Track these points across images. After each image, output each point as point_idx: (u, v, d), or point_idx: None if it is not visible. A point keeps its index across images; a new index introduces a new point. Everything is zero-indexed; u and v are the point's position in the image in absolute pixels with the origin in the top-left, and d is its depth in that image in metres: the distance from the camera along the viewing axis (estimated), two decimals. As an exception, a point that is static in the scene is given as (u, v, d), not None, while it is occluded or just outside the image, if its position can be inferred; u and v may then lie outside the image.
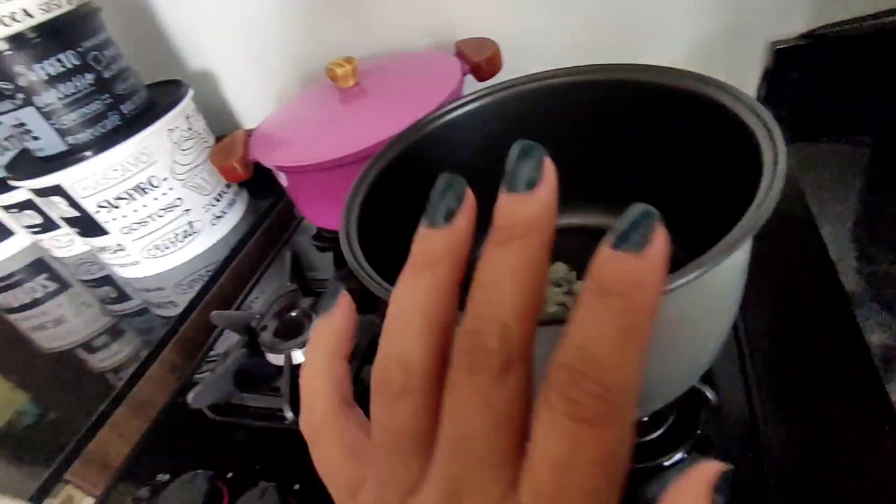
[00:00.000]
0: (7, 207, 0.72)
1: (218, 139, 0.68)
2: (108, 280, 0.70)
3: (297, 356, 0.44)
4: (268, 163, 0.49)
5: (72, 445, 0.46)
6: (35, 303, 0.73)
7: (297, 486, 0.37)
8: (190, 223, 0.64)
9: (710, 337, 0.27)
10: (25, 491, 0.43)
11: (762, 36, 0.53)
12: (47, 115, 0.53)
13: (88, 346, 0.61)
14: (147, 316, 0.62)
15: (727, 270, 0.24)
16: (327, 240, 0.62)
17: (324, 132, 0.49)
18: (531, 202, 0.14)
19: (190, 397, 0.42)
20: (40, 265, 0.80)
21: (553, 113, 0.37)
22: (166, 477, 0.41)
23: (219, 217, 0.67)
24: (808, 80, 0.52)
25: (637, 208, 0.13)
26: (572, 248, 0.42)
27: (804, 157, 0.47)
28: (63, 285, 0.74)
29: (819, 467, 0.35)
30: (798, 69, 0.52)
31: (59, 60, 0.51)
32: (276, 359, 0.45)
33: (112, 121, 0.56)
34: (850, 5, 0.49)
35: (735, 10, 0.53)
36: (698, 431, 0.31)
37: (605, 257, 0.13)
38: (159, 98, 0.63)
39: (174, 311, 0.59)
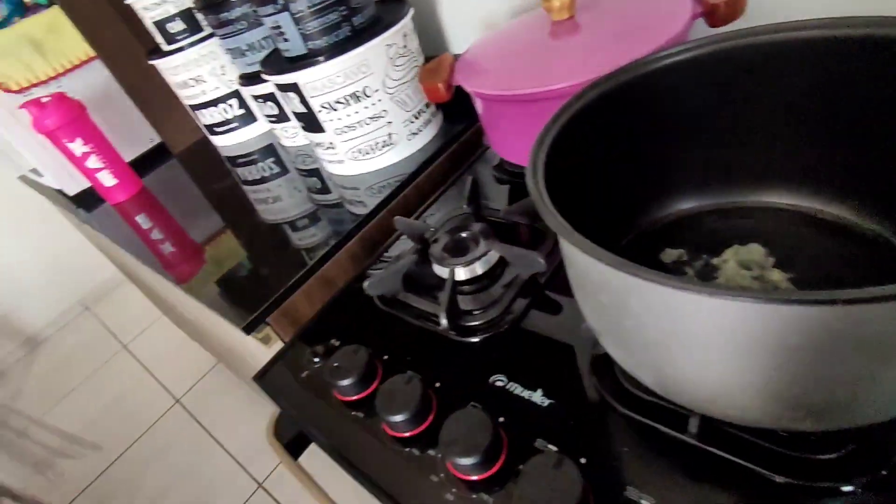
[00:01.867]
0: (256, 97, 0.88)
1: (427, 59, 0.72)
2: (316, 172, 0.82)
3: (460, 273, 0.48)
4: (468, 87, 0.51)
5: (273, 299, 0.57)
6: (262, 180, 0.88)
7: (437, 384, 0.42)
8: (389, 134, 0.71)
9: None
10: (240, 323, 0.56)
11: None
12: (297, 21, 0.61)
13: (293, 225, 0.73)
14: (340, 210, 0.71)
15: None
16: (507, 173, 0.63)
17: (527, 64, 0.49)
18: None
19: (365, 284, 0.49)
20: (270, 150, 0.96)
21: (791, 75, 0.32)
22: (337, 343, 0.49)
23: (414, 134, 0.73)
24: None
25: None
26: (772, 230, 0.37)
27: None
28: (283, 170, 0.89)
29: None
30: None
31: (313, -28, 0.58)
32: (441, 271, 0.49)
33: (344, 31, 0.63)
34: None
35: None
36: (883, 472, 0.27)
37: None
38: (384, 14, 0.69)
39: (362, 210, 0.67)
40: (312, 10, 0.61)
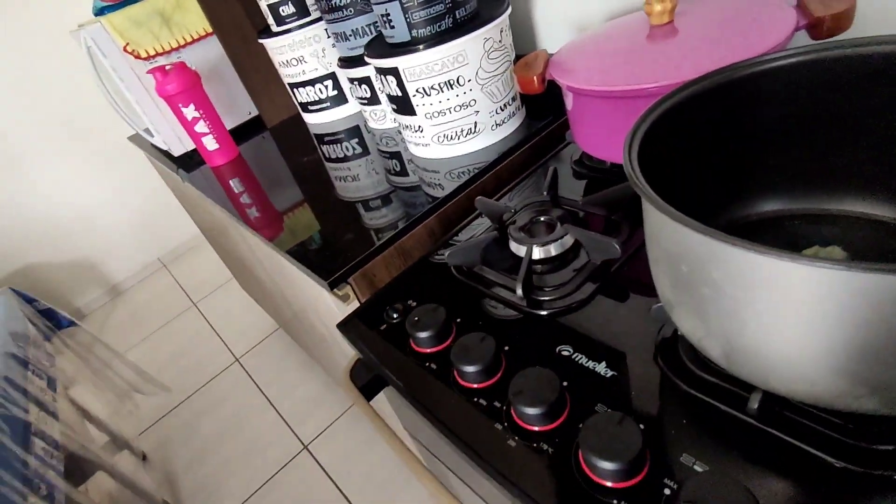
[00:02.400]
0: (351, 80, 0.94)
1: (517, 57, 0.76)
2: (396, 155, 0.88)
3: (537, 252, 0.51)
4: (562, 81, 0.54)
5: (357, 260, 0.62)
6: (345, 158, 0.95)
7: (507, 348, 0.45)
8: (475, 123, 0.75)
9: None
10: (326, 278, 0.61)
11: None
12: (405, 10, 0.67)
13: (367, 204, 0.79)
14: (415, 193, 0.76)
15: None
16: (587, 167, 0.66)
17: (620, 64, 0.51)
18: None
19: (446, 253, 0.53)
20: (356, 131, 1.03)
21: (870, 88, 0.33)
22: (414, 304, 0.54)
23: (499, 124, 0.77)
24: None
25: None
26: (856, 238, 0.38)
27: None
28: (365, 150, 0.95)
29: None
30: None
31: (428, -35, 0.63)
32: (518, 249, 0.52)
33: (446, 22, 0.68)
34: None
35: None
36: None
37: None
38: (484, 9, 0.73)
39: (440, 193, 0.72)
40: (420, 1, 0.66)
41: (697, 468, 0.32)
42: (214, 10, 1.08)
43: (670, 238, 0.29)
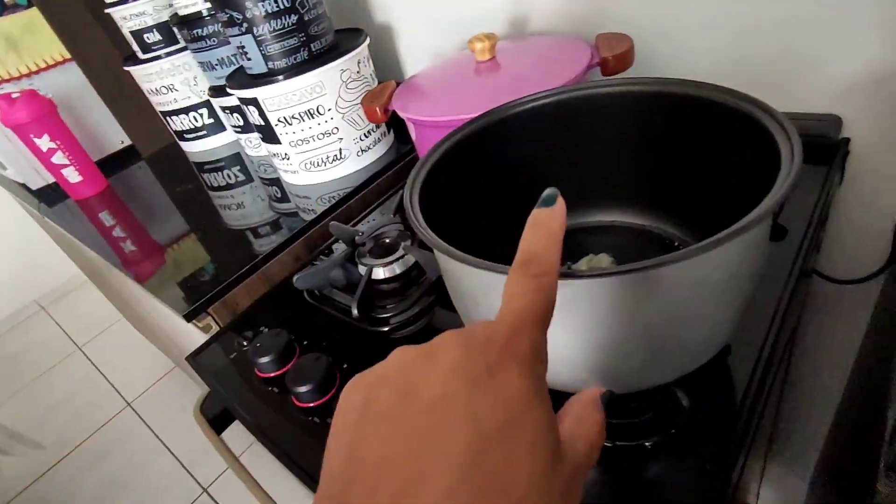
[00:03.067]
0: (223, 108, 0.94)
1: (381, 82, 0.80)
2: (276, 182, 0.88)
3: (378, 272, 0.54)
4: (401, 114, 0.58)
5: (214, 292, 0.62)
6: (228, 186, 0.94)
7: (345, 365, 0.47)
8: (340, 150, 0.78)
9: (701, 329, 0.29)
10: (182, 311, 0.60)
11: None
12: (259, 43, 0.68)
13: (255, 232, 0.79)
14: (298, 219, 0.77)
15: (733, 253, 0.26)
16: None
17: (452, 96, 0.56)
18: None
19: (295, 278, 0.54)
20: (237, 158, 1.02)
21: (630, 118, 0.40)
22: (265, 329, 0.54)
23: (364, 150, 0.80)
24: None
25: (550, 191, 0.22)
26: (617, 243, 0.45)
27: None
28: (248, 178, 0.94)
29: None
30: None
31: (274, 1, 0.65)
32: (362, 269, 0.55)
33: (302, 55, 0.70)
34: None
35: (918, 46, 0.47)
36: (672, 430, 0.34)
37: (537, 211, 0.22)
38: (343, 42, 0.76)
39: (313, 217, 0.73)
40: (273, 34, 0.68)
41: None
42: (72, 35, 1.03)
43: (445, 268, 0.32)
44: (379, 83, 0.80)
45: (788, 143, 0.27)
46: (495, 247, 0.44)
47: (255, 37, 0.68)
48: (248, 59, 0.71)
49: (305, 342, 0.51)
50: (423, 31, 0.84)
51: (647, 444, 0.34)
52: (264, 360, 0.47)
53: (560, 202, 0.22)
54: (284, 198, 0.83)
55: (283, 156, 0.79)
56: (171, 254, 0.79)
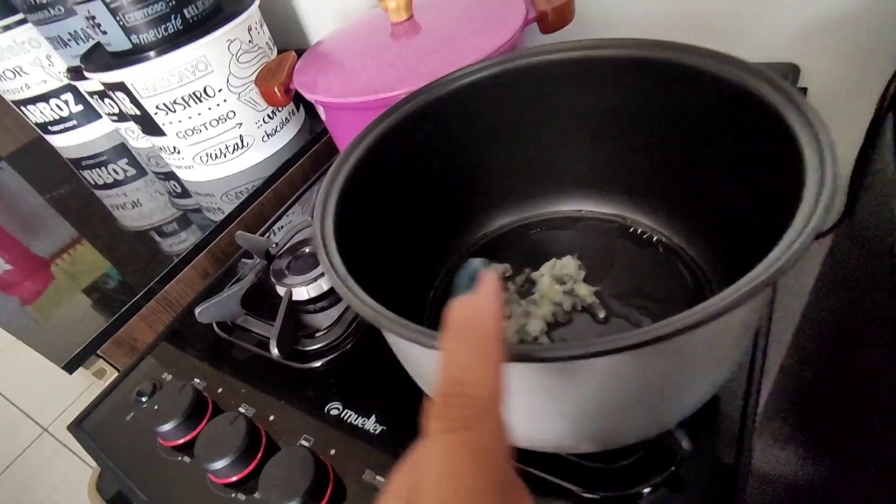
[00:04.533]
0: (90, 93, 0.77)
1: (280, 53, 0.67)
2: (173, 175, 0.75)
3: (301, 293, 0.45)
4: (306, 95, 0.48)
5: (101, 330, 0.51)
6: (117, 183, 0.79)
7: (272, 417, 0.39)
8: (241, 136, 0.66)
9: (696, 388, 0.23)
10: (60, 361, 0.49)
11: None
12: (114, 11, 0.54)
13: (161, 231, 0.66)
14: (203, 216, 0.65)
15: (727, 324, 0.21)
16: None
17: (366, 68, 0.46)
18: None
19: (197, 311, 0.44)
20: (122, 150, 0.86)
21: (593, 87, 0.32)
22: (169, 377, 0.45)
23: (270, 134, 0.68)
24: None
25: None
26: (593, 240, 0.39)
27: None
28: (140, 171, 0.80)
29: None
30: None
31: (125, -44, 0.51)
32: (280, 290, 0.46)
33: (174, 24, 0.57)
34: None
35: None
36: (672, 468, 0.29)
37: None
38: (226, 4, 0.63)
39: (220, 217, 0.62)
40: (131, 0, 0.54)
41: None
42: None
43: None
44: (278, 53, 0.68)
45: (816, 146, 0.20)
46: (439, 262, 0.37)
47: (106, 4, 0.53)
48: (104, 33, 0.57)
49: (220, 389, 0.42)
50: (324, -16, 0.71)
51: (644, 490, 0.28)
52: (167, 427, 0.37)
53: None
54: (185, 193, 0.70)
55: (172, 149, 0.66)
56: (54, 274, 0.65)
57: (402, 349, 0.25)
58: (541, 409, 0.22)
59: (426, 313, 0.37)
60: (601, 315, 0.34)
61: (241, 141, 0.66)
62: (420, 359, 0.24)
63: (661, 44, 0.29)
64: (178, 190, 0.72)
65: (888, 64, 0.45)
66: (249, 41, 0.62)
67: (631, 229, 0.37)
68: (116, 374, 0.54)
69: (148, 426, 0.39)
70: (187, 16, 0.58)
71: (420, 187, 0.36)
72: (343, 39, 0.53)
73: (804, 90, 0.49)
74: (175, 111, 0.61)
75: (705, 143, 0.29)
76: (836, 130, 0.50)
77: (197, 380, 0.43)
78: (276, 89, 0.49)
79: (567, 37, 0.54)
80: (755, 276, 0.17)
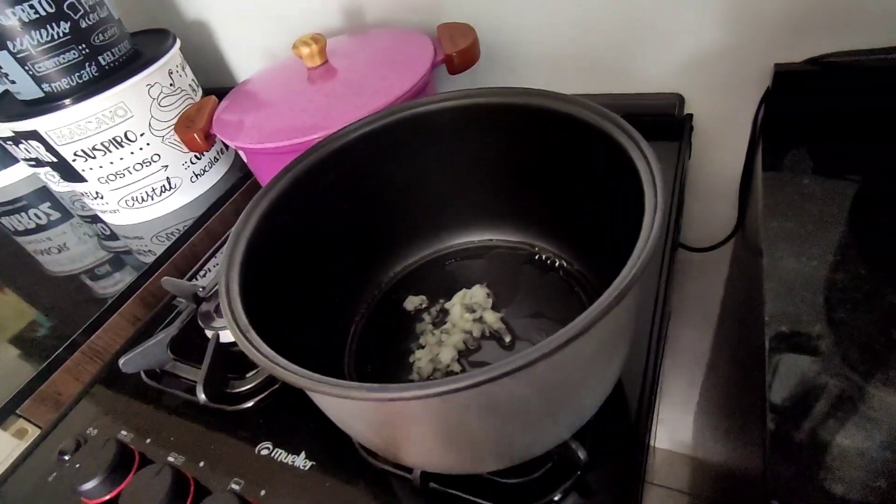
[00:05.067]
0: (3, 139, 0.75)
1: (206, 93, 0.68)
2: (99, 218, 0.73)
3: (226, 335, 0.45)
4: (226, 140, 0.49)
5: (22, 387, 0.49)
6: (40, 228, 0.76)
7: (202, 463, 0.39)
8: (168, 178, 0.65)
9: (584, 401, 0.26)
10: (-24, 423, 0.47)
11: (767, 56, 0.48)
12: (22, 61, 0.53)
13: (92, 274, 0.64)
14: (134, 258, 0.64)
15: (601, 333, 0.23)
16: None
17: (282, 114, 0.48)
18: None
19: (121, 362, 0.44)
20: (44, 193, 0.83)
21: (486, 132, 0.36)
22: (94, 432, 0.44)
23: (198, 175, 0.68)
24: (808, 108, 0.48)
25: None
26: (502, 267, 0.41)
27: (780, 198, 0.44)
28: (65, 215, 0.77)
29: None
30: (799, 95, 0.48)
31: (31, 7, 0.50)
32: (209, 333, 0.46)
33: (89, 71, 0.57)
34: (863, 34, 0.43)
35: (740, 28, 0.48)
36: (578, 473, 0.31)
37: None
38: (145, 48, 0.63)
39: (152, 260, 0.61)
40: (41, 49, 0.53)
41: (386, 556, 0.31)
42: None
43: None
44: (204, 92, 0.68)
45: (650, 174, 0.24)
46: (358, 297, 0.38)
47: (12, 53, 0.53)
48: (12, 83, 0.56)
49: (148, 440, 0.42)
50: (248, 27, 0.72)
51: (556, 497, 0.31)
52: (89, 485, 0.37)
53: None
54: (114, 235, 0.69)
55: (95, 195, 0.65)
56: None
57: (317, 399, 0.27)
58: (449, 437, 0.24)
59: (347, 350, 0.39)
60: (507, 339, 0.36)
61: (169, 183, 0.66)
62: (333, 405, 0.26)
63: (530, 91, 0.32)
64: (107, 232, 0.71)
65: (757, 93, 0.51)
66: (171, 84, 0.63)
67: (537, 256, 0.41)
68: (39, 432, 0.52)
69: (71, 486, 0.38)
70: (103, 63, 0.58)
71: (330, 230, 0.37)
72: (263, 82, 0.55)
73: (690, 116, 0.55)
74: (95, 157, 0.60)
75: (575, 176, 0.33)
76: (722, 151, 0.56)
77: (124, 432, 0.43)
78: (195, 136, 0.50)
79: (474, 76, 0.58)
80: (600, 304, 0.20)
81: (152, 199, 0.66)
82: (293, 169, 0.34)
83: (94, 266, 0.66)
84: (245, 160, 0.52)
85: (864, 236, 0.39)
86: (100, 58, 0.57)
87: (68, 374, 0.53)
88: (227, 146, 0.73)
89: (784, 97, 0.48)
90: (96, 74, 0.57)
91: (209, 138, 0.51)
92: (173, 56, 0.63)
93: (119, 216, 0.67)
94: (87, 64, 0.56)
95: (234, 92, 0.55)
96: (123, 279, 0.60)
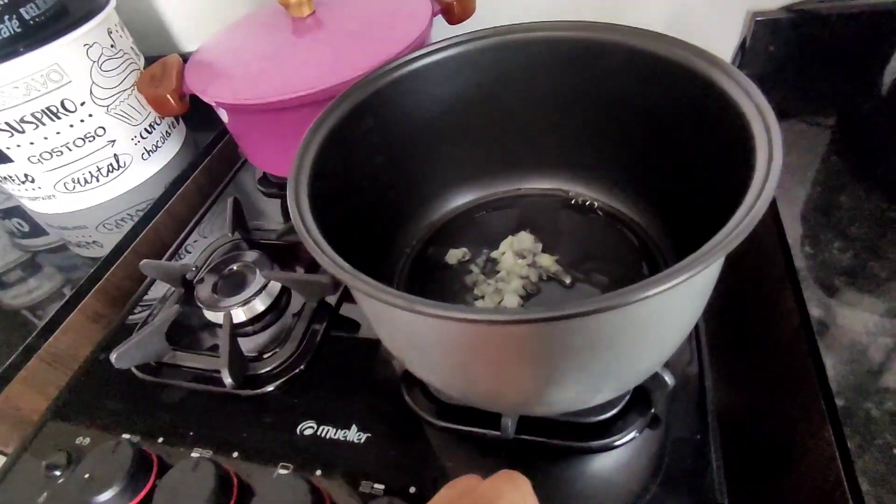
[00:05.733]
0: None
1: (148, 62, 0.60)
2: (17, 211, 0.63)
3: (238, 314, 0.41)
4: (206, 97, 0.43)
5: (-26, 404, 0.41)
6: None
7: (235, 454, 0.35)
8: (116, 156, 0.57)
9: (680, 331, 0.26)
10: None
11: (743, 5, 0.51)
12: (-74, 13, 0.44)
13: (1, 282, 0.55)
14: (67, 253, 0.55)
15: (698, 282, 0.23)
16: (274, 185, 0.57)
17: (271, 66, 0.43)
18: None
19: (113, 357, 0.38)
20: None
21: (527, 70, 0.34)
22: (87, 441, 0.38)
23: (151, 151, 0.60)
24: (785, 55, 0.51)
25: None
26: (538, 214, 0.41)
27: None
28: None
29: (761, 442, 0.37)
30: (776, 42, 0.51)
31: (-63, -56, 0.41)
32: (214, 316, 0.41)
33: (9, 26, 0.47)
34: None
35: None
36: (652, 410, 0.32)
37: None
38: (72, 5, 0.54)
39: (99, 252, 0.53)
40: (-51, -3, 0.44)
41: None
42: None
43: (366, 301, 0.23)
44: (147, 60, 0.60)
45: (760, 119, 0.23)
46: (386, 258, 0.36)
47: (-86, 4, 0.43)
48: (-87, 42, 0.46)
49: (161, 439, 0.37)
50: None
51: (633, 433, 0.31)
52: (107, 496, 0.31)
53: None
54: (38, 230, 0.60)
55: (24, 178, 0.55)
56: None
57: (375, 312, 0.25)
58: (562, 370, 0.23)
59: None
60: (567, 281, 0.36)
61: (117, 161, 0.57)
62: (435, 344, 0.23)
63: (596, 25, 0.31)
64: (25, 228, 0.61)
65: (735, 39, 0.53)
66: (111, 46, 0.54)
67: (573, 200, 0.40)
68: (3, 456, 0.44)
69: (80, 500, 0.32)
70: (26, 17, 0.48)
71: (362, 184, 0.34)
72: (236, 40, 0.49)
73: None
74: (24, 131, 0.51)
75: (655, 120, 0.32)
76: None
77: (126, 435, 0.37)
78: (168, 96, 0.44)
79: (475, 26, 0.56)
80: (728, 233, 0.19)
81: (97, 180, 0.57)
82: (334, 112, 0.30)
83: (3, 272, 0.56)
84: (227, 121, 0.47)
85: (853, 161, 0.43)
86: (22, 10, 0.48)
87: (26, 386, 0.45)
88: (177, 119, 0.65)
89: (761, 43, 0.51)
90: (19, 30, 0.48)
91: (183, 99, 0.45)
92: (111, 13, 0.55)
93: (54, 203, 0.58)
94: (5, 16, 0.47)
95: (200, 51, 0.49)
96: (40, 287, 0.52)
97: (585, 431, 0.32)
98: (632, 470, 0.31)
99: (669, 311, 0.23)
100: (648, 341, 0.24)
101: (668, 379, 0.29)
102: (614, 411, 0.32)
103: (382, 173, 0.36)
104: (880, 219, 0.39)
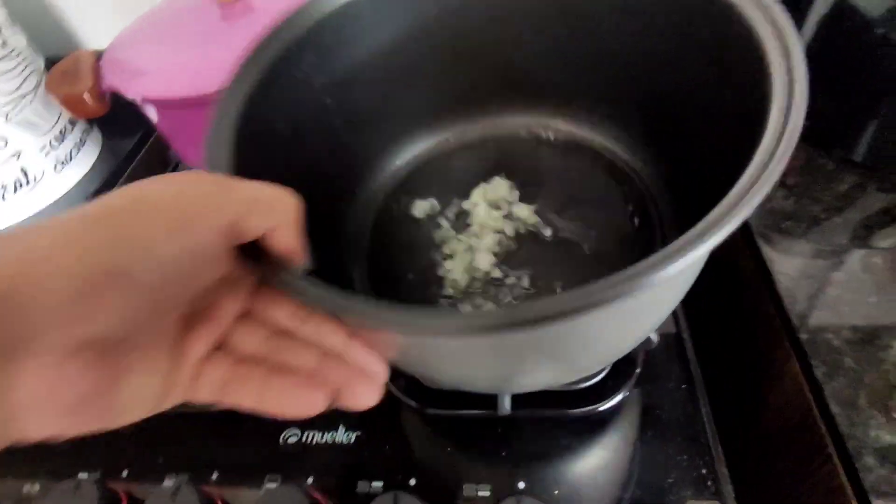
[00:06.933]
0: None
1: (51, 63, 0.53)
2: None
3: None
4: (130, 94, 0.39)
5: None
6: None
7: (214, 476, 0.32)
8: (23, 170, 0.51)
9: (672, 303, 0.26)
10: None
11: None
12: None
13: None
14: None
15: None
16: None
17: (205, 56, 0.40)
18: None
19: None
20: None
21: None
22: (36, 488, 0.33)
23: (64, 162, 0.54)
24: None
25: None
26: (514, 156, 0.37)
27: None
28: None
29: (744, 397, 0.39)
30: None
31: None
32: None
33: None
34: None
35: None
36: (637, 370, 0.32)
37: None
38: (-49, 0, 0.47)
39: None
40: None
41: (482, 493, 0.29)
42: None
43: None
44: (47, 62, 0.54)
45: (776, 38, 0.19)
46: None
47: None
48: None
49: (125, 472, 0.33)
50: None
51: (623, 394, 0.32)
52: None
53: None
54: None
55: (-88, 203, 0.48)
56: None
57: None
58: (566, 349, 0.23)
59: (357, 276, 0.34)
60: (547, 234, 0.33)
61: (26, 175, 0.51)
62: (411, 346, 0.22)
63: None
64: None
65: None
66: (3, 44, 0.48)
67: (552, 138, 0.37)
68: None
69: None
70: None
71: (313, 131, 0.31)
72: (154, 31, 0.45)
73: None
74: None
75: (647, 49, 0.29)
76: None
77: (83, 474, 0.33)
78: (85, 95, 0.39)
79: None
80: (741, 192, 0.16)
81: (2, 198, 0.51)
82: (265, 50, 0.27)
83: None
84: (154, 121, 0.43)
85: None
86: None
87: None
88: (91, 124, 0.59)
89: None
90: None
91: (102, 98, 0.40)
92: (-2, 9, 0.48)
93: (-46, 229, 0.51)
94: None
95: (116, 43, 0.44)
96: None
97: (575, 398, 0.32)
98: (626, 426, 0.31)
99: (676, 284, 0.22)
100: (647, 316, 0.24)
101: (653, 336, 0.30)
102: (602, 375, 0.32)
103: (334, 116, 0.33)
104: (808, 167, 0.42)
